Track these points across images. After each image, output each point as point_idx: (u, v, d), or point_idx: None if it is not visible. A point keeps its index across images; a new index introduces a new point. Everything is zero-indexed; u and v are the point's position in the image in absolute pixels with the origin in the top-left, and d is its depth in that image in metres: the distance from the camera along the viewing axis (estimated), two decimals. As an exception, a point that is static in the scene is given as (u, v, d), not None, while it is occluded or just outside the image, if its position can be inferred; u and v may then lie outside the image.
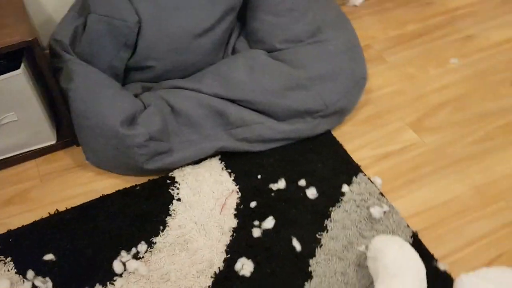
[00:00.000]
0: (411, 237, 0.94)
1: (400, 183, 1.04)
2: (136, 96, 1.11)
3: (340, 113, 1.11)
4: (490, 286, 0.79)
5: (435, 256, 0.91)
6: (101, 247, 0.95)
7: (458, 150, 1.10)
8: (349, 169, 1.06)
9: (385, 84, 1.28)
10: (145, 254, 0.94)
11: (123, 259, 0.93)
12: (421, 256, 0.85)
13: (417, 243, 0.93)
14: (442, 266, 0.89)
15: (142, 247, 0.95)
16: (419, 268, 0.82)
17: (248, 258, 0.92)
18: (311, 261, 0.91)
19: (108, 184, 1.06)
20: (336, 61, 1.08)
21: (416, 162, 1.08)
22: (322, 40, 1.10)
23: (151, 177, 1.07)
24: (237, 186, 1.04)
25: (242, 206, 1.00)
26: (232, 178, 1.06)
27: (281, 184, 1.03)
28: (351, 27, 1.16)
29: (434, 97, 1.24)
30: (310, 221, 0.97)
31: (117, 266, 0.92)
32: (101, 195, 1.04)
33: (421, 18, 1.50)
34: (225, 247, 0.94)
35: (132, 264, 0.92)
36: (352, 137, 1.14)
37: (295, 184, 1.03)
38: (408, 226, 0.96)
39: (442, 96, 1.24)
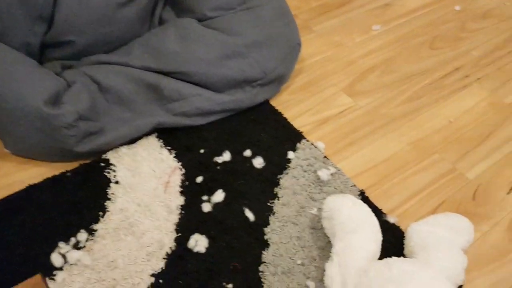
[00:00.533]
0: (359, 195, 0.95)
1: (342, 145, 1.05)
2: (56, 75, 1.00)
3: (278, 81, 1.10)
4: (440, 229, 0.83)
5: (384, 210, 0.93)
6: (34, 241, 0.85)
7: (391, 110, 1.14)
8: (291, 136, 1.05)
9: (315, 52, 1.28)
10: (87, 243, 0.86)
11: (62, 251, 0.84)
12: (371, 211, 0.86)
13: (365, 200, 0.94)
14: (391, 219, 0.91)
15: (82, 236, 0.86)
16: (373, 222, 0.83)
17: (202, 234, 0.87)
18: (265, 230, 0.89)
19: (34, 173, 0.96)
20: (271, 27, 1.06)
21: (354, 124, 1.10)
22: (253, 6, 1.07)
23: (82, 162, 0.98)
24: (180, 163, 0.99)
25: (187, 183, 0.95)
26: (173, 155, 1.00)
27: (226, 156, 0.99)
28: (280, -6, 1.14)
29: (362, 63, 1.27)
30: (260, 190, 0.95)
31: (56, 259, 0.83)
32: (28, 186, 0.93)
33: (339, -11, 1.53)
34: (174, 226, 0.89)
35: (73, 254, 0.83)
36: (290, 105, 1.13)
37: (240, 155, 1.00)
38: (354, 185, 0.97)
39: (370, 61, 1.27)
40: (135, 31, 1.08)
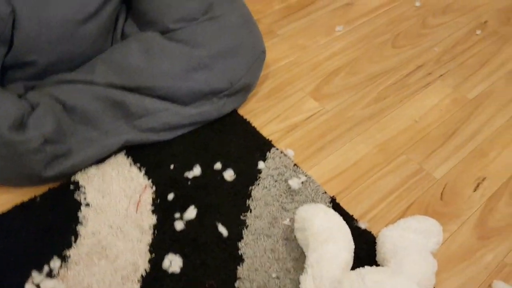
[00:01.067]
0: (330, 202, 0.97)
1: (311, 152, 1.06)
2: (19, 97, 0.98)
3: (245, 90, 1.10)
4: (409, 234, 0.85)
5: (355, 216, 0.95)
6: (6, 271, 0.84)
7: (357, 112, 1.16)
8: (261, 146, 1.05)
9: (280, 57, 1.29)
10: (60, 270, 0.85)
11: (36, 281, 0.83)
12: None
13: (336, 207, 0.96)
14: (362, 225, 0.93)
15: (55, 263, 0.85)
16: (345, 230, 0.85)
17: (175, 253, 0.87)
18: (239, 244, 0.89)
19: (2, 200, 0.94)
20: (235, 37, 1.05)
21: (321, 129, 1.11)
22: (216, 16, 1.06)
23: (51, 186, 0.96)
24: (150, 180, 0.98)
25: (159, 201, 0.95)
26: (143, 172, 0.99)
27: (197, 171, 0.99)
28: (242, 1, 1.13)
29: (327, 65, 1.28)
30: (232, 203, 0.95)
31: (29, 289, 0.82)
32: (-5, 214, 0.91)
33: (302, -11, 1.53)
34: (148, 247, 0.88)
35: (47, 284, 0.82)
36: (258, 113, 1.13)
37: (210, 169, 1.00)
38: (325, 192, 0.98)
39: (334, 62, 1.29)
40: (98, 47, 1.06)
